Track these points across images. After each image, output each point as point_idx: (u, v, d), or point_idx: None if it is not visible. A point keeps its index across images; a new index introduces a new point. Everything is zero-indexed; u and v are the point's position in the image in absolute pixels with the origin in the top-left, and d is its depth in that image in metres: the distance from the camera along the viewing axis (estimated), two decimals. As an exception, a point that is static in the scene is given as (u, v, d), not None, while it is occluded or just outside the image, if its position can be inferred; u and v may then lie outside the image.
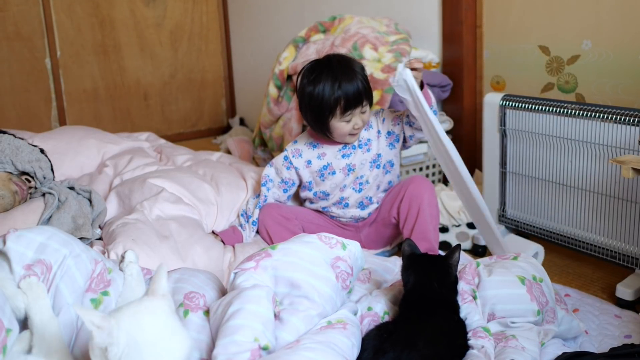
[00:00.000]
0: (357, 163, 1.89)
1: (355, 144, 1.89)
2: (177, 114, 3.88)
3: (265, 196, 1.95)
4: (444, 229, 2.09)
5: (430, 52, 2.50)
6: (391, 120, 1.89)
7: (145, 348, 0.94)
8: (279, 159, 1.95)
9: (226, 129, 3.99)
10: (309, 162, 1.91)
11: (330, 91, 1.75)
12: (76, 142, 2.39)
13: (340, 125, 1.79)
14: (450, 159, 1.65)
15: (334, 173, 1.90)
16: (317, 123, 1.82)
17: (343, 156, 1.89)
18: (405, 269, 1.33)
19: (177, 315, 1.03)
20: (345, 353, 1.13)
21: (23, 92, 3.35)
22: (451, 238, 2.05)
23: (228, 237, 1.89)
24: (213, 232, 1.93)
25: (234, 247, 1.85)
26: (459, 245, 1.33)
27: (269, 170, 1.96)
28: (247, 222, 1.94)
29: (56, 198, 1.72)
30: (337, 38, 2.46)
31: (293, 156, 1.92)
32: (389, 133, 1.89)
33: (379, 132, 1.90)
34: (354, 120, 1.79)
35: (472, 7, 2.42)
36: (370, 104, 1.82)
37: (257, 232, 1.95)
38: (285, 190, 1.96)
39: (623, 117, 1.62)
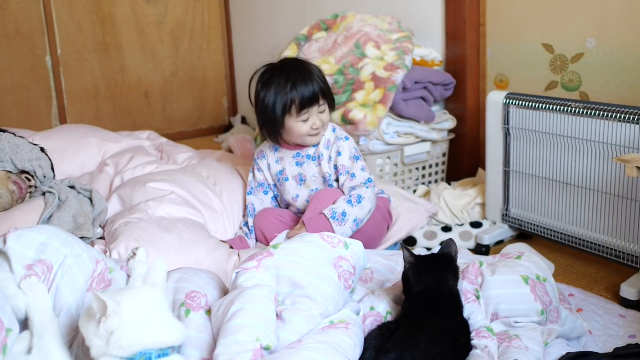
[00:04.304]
0: (307, 175, 1.88)
1: (311, 153, 1.87)
2: (178, 113, 3.87)
3: (252, 204, 1.96)
4: (446, 228, 2.08)
5: (433, 50, 2.49)
6: (340, 164, 1.84)
7: (143, 331, 1.00)
8: (254, 163, 1.98)
9: (228, 127, 3.97)
10: (269, 165, 1.93)
11: (284, 91, 1.74)
12: (76, 140, 2.38)
13: (297, 125, 1.78)
14: None
15: (287, 179, 1.90)
16: (270, 126, 1.80)
17: (296, 164, 1.89)
18: (415, 272, 1.29)
19: (169, 305, 1.07)
20: (348, 353, 1.12)
21: (23, 90, 3.34)
22: (454, 237, 2.04)
23: (236, 245, 1.87)
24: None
25: (239, 253, 1.83)
26: (450, 239, 1.34)
27: (249, 177, 1.99)
28: (248, 230, 1.94)
29: (56, 197, 1.71)
30: (339, 36, 2.45)
31: (258, 157, 1.95)
32: (335, 167, 1.86)
33: (329, 158, 1.86)
34: (311, 120, 1.78)
35: (475, 4, 2.40)
36: (331, 104, 1.81)
37: (256, 239, 1.94)
38: (265, 192, 1.97)
39: (627, 116, 1.61)
